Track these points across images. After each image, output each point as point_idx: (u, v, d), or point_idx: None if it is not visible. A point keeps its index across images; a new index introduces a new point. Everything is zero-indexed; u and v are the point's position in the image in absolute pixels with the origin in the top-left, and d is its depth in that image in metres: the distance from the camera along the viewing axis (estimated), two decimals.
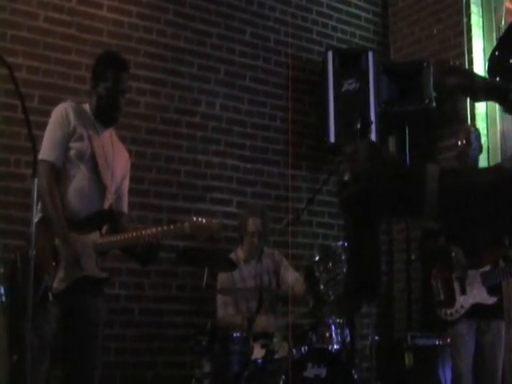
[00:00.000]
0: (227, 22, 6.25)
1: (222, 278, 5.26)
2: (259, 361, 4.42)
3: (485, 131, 6.23)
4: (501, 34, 2.69)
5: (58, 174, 3.77)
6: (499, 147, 6.27)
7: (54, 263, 3.60)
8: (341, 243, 4.54)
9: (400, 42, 7.26)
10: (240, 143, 6.17)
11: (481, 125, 6.22)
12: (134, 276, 5.35)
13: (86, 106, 3.99)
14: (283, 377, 4.25)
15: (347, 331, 4.62)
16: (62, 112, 3.85)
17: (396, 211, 1.26)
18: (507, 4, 6.49)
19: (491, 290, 4.93)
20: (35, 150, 3.25)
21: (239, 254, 5.39)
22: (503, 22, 6.40)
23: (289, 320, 4.72)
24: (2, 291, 3.51)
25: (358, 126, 1.36)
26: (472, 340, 5.01)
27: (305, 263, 5.43)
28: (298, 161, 6.45)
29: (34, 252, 3.16)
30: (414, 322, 6.27)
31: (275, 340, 4.50)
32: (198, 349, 4.50)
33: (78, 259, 3.65)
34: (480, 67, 6.26)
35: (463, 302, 4.97)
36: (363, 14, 7.25)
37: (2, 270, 3.65)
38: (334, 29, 7.01)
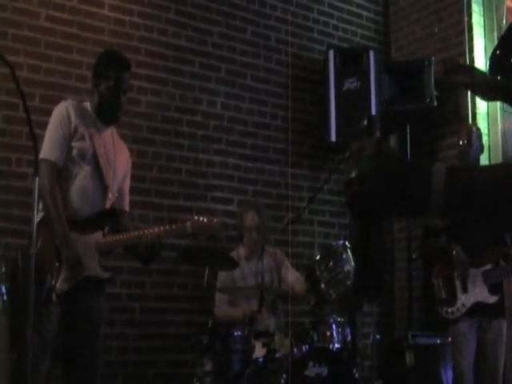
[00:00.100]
0: (228, 21, 6.25)
1: (222, 276, 5.27)
2: (260, 359, 4.42)
3: (486, 130, 6.23)
4: (502, 33, 2.69)
5: (60, 173, 3.76)
6: (500, 146, 6.27)
7: (57, 263, 3.60)
8: (341, 242, 4.55)
9: (401, 41, 7.26)
10: (241, 142, 6.17)
11: (482, 124, 6.22)
12: (135, 275, 5.35)
13: (87, 105, 3.98)
14: (284, 375, 4.25)
15: (348, 330, 4.62)
16: (62, 111, 3.84)
17: (402, 209, 1.26)
18: (508, 3, 6.49)
19: (492, 289, 4.94)
20: (36, 148, 3.25)
21: (240, 251, 5.41)
22: (504, 21, 6.40)
23: (289, 319, 4.73)
24: (4, 290, 3.51)
25: (365, 123, 1.35)
26: (473, 339, 5.01)
27: (306, 262, 5.44)
28: (299, 159, 6.46)
29: (37, 251, 3.16)
30: (415, 320, 6.27)
31: (276, 339, 4.50)
32: (199, 347, 4.50)
33: (79, 259, 3.64)
34: (481, 66, 6.25)
35: (464, 300, 4.97)
36: (364, 13, 7.25)
37: (3, 269, 3.65)
38: (336, 27, 7.01)
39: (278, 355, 4.45)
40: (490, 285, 4.94)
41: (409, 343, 5.47)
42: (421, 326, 6.13)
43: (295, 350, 4.41)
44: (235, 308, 5.22)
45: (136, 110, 5.57)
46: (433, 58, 6.37)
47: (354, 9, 7.17)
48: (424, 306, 6.35)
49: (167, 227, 3.82)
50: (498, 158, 6.19)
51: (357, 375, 4.47)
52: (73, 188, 3.77)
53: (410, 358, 5.44)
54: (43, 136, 3.82)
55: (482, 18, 6.51)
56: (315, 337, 4.52)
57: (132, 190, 4.23)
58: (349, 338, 4.60)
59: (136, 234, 3.74)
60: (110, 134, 4.01)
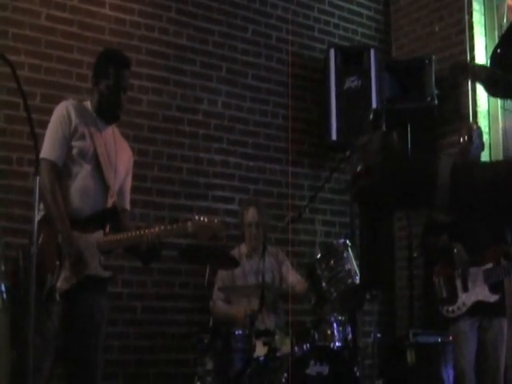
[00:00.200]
0: (229, 20, 6.25)
1: (222, 273, 5.26)
2: (261, 358, 4.42)
3: (487, 129, 6.23)
4: (503, 32, 2.70)
5: (59, 172, 3.76)
6: (501, 145, 6.27)
7: (57, 262, 3.60)
8: (342, 241, 4.55)
9: (402, 40, 7.26)
10: (242, 141, 6.17)
11: (483, 122, 6.22)
12: (136, 274, 5.35)
13: (88, 104, 3.98)
14: (285, 374, 4.25)
15: (349, 329, 4.62)
16: (63, 111, 3.84)
17: (408, 202, 1.26)
18: (509, 2, 6.48)
19: (493, 288, 4.94)
20: (37, 148, 3.25)
21: (242, 249, 5.43)
22: (505, 20, 6.40)
23: (290, 318, 4.73)
24: (3, 288, 3.51)
25: (371, 117, 1.35)
26: (474, 337, 5.02)
27: (306, 261, 5.45)
28: (299, 158, 6.46)
29: (37, 250, 3.17)
30: (415, 319, 6.27)
31: (277, 338, 4.50)
32: (200, 346, 4.50)
33: (81, 257, 3.65)
34: None
35: (465, 299, 4.98)
36: (365, 12, 7.25)
37: (3, 268, 3.65)
38: (336, 26, 7.00)
39: (278, 354, 4.45)
40: (490, 283, 4.94)
41: (410, 342, 5.47)
42: (422, 325, 6.13)
43: (296, 348, 4.42)
44: (233, 306, 5.22)
45: (137, 109, 5.58)
46: (433, 57, 6.37)
47: (355, 7, 7.17)
48: (425, 304, 6.36)
49: (168, 227, 3.82)
50: (499, 157, 6.19)
51: (358, 374, 4.47)
52: (74, 187, 3.77)
53: (410, 357, 5.44)
54: (44, 135, 3.82)
55: (483, 17, 6.50)
56: (316, 335, 4.52)
57: (133, 189, 4.23)
58: (350, 336, 4.61)
59: (137, 233, 3.74)
60: (111, 133, 4.01)
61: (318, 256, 4.44)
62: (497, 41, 5.63)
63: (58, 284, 3.57)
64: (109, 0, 5.61)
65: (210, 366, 4.43)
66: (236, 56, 6.25)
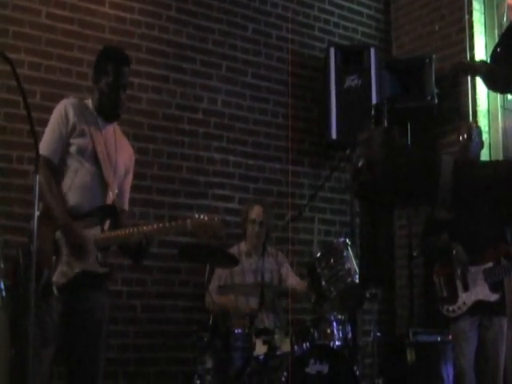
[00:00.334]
0: (229, 19, 6.25)
1: (219, 271, 5.24)
2: (261, 357, 4.42)
3: (486, 128, 6.23)
4: (503, 31, 2.70)
5: (55, 169, 3.76)
6: (501, 144, 6.27)
7: (54, 257, 3.60)
8: (342, 239, 4.55)
9: (402, 39, 7.26)
10: (242, 139, 6.17)
11: (483, 121, 6.23)
12: (136, 272, 5.35)
13: (89, 102, 3.98)
14: (285, 373, 4.26)
15: (349, 327, 4.63)
16: (61, 110, 3.85)
17: (409, 199, 1.26)
18: (509, 1, 6.48)
19: (493, 287, 4.94)
20: (37, 146, 3.25)
21: (241, 247, 5.42)
22: (505, 19, 6.40)
23: (289, 317, 4.73)
24: (3, 286, 3.51)
25: (372, 112, 1.35)
26: (474, 336, 5.02)
27: (306, 260, 5.44)
28: (299, 157, 6.46)
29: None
30: (415, 318, 6.28)
31: (277, 336, 4.50)
32: (200, 345, 4.50)
33: (82, 244, 3.65)
34: None
35: (465, 298, 4.98)
36: (365, 11, 7.24)
37: (2, 266, 3.65)
38: (336, 25, 7.00)
39: (278, 353, 4.46)
40: (490, 283, 4.94)
41: (410, 341, 5.48)
42: (421, 324, 6.14)
43: (296, 347, 4.42)
44: (227, 297, 5.20)
45: (137, 108, 5.58)
46: (434, 56, 6.38)
47: (355, 6, 7.16)
48: (425, 303, 6.36)
49: (166, 224, 3.82)
50: (499, 156, 6.19)
51: (358, 373, 4.48)
52: (73, 184, 3.77)
53: (410, 356, 5.45)
54: (43, 133, 3.83)
55: (483, 16, 6.51)
56: (316, 334, 4.52)
57: (133, 188, 4.23)
58: (349, 335, 4.61)
59: (135, 230, 3.73)
60: (112, 131, 4.01)
61: (318, 255, 4.44)
62: (497, 40, 5.62)
63: (55, 278, 3.57)
64: None
65: (209, 364, 4.43)
66: (236, 54, 6.25)
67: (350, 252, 4.35)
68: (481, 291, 4.94)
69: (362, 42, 7.07)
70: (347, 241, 4.46)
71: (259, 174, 6.22)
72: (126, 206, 4.11)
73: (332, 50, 6.45)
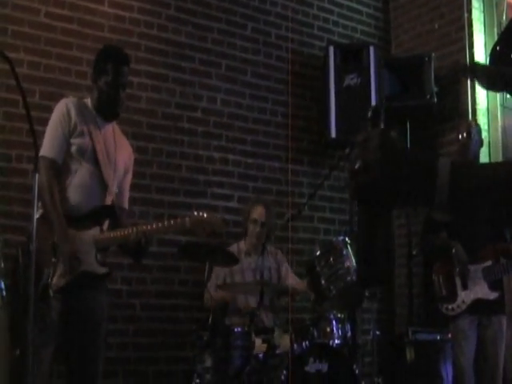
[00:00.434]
0: (228, 17, 6.25)
1: (218, 269, 5.23)
2: (261, 356, 4.42)
3: (486, 126, 6.23)
4: (502, 29, 2.70)
5: (58, 170, 3.76)
6: (500, 142, 6.27)
7: (53, 259, 3.60)
8: (342, 238, 4.55)
9: (401, 37, 7.26)
10: (241, 138, 6.17)
11: (482, 120, 6.22)
12: (135, 271, 5.35)
13: (88, 101, 3.98)
14: (284, 372, 4.26)
15: (348, 326, 4.63)
16: (62, 108, 3.85)
17: (407, 201, 1.26)
18: None
19: (493, 286, 4.94)
20: (36, 145, 3.24)
21: (241, 246, 5.41)
22: (504, 17, 6.40)
23: (289, 315, 4.73)
24: (2, 286, 3.51)
25: (369, 114, 1.35)
26: (474, 335, 5.02)
27: (306, 258, 5.44)
28: (299, 156, 6.46)
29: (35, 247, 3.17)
30: (415, 316, 6.28)
31: (276, 335, 4.50)
32: (199, 344, 4.50)
33: (75, 257, 3.65)
34: (481, 62, 6.25)
35: (464, 297, 4.98)
36: (364, 9, 7.24)
37: (2, 265, 3.65)
38: (336, 24, 7.00)
39: (278, 351, 4.46)
40: (490, 281, 4.93)
41: (409, 339, 5.48)
42: (421, 322, 6.14)
43: (295, 346, 4.42)
44: (224, 292, 5.19)
45: (136, 107, 5.57)
46: (433, 54, 6.37)
47: (354, 5, 7.16)
48: (424, 302, 6.36)
49: (166, 223, 3.82)
50: (498, 154, 6.19)
51: (357, 371, 4.48)
52: (72, 184, 3.77)
53: (410, 354, 5.45)
54: (43, 132, 3.83)
55: (482, 14, 6.50)
56: (315, 333, 4.53)
57: (132, 187, 4.23)
58: (349, 334, 4.61)
59: (134, 230, 3.73)
60: (111, 131, 4.01)
61: (318, 253, 4.44)
62: (496, 38, 5.62)
63: (54, 280, 3.57)
64: None
65: (209, 363, 4.43)
66: (235, 53, 6.25)
67: (350, 250, 4.35)
68: (480, 290, 4.95)
69: (361, 41, 7.07)
70: (347, 239, 4.46)
71: (258, 173, 6.22)
72: (126, 205, 4.11)
73: (331, 49, 6.45)
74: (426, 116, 6.53)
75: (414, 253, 6.19)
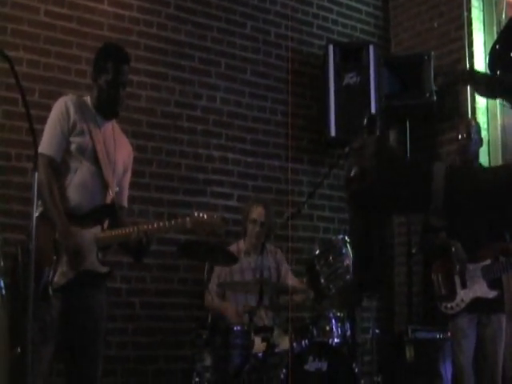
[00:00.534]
0: (228, 16, 6.25)
1: (218, 269, 5.24)
2: (260, 354, 4.42)
3: (485, 125, 6.23)
4: (501, 28, 2.69)
5: (57, 168, 3.76)
6: (500, 141, 6.26)
7: (54, 257, 3.60)
8: (341, 237, 4.55)
9: (401, 36, 7.26)
10: (241, 137, 6.17)
11: (481, 119, 6.22)
12: (135, 270, 5.36)
13: (88, 99, 3.97)
14: (284, 370, 4.26)
15: (348, 325, 4.63)
16: (61, 106, 3.84)
17: (402, 207, 1.27)
18: None
19: (492, 284, 4.93)
20: (36, 144, 3.24)
21: (240, 245, 5.41)
22: (504, 16, 6.40)
23: (289, 314, 4.73)
24: (2, 284, 3.51)
25: (365, 122, 1.36)
26: (473, 334, 5.01)
27: (305, 257, 5.45)
28: (298, 154, 6.46)
29: (35, 246, 3.16)
30: (414, 315, 6.28)
31: (275, 334, 4.50)
32: (199, 342, 4.50)
33: (79, 251, 3.65)
34: (480, 61, 6.26)
35: (464, 295, 4.98)
36: (364, 8, 7.24)
37: (1, 264, 3.65)
38: (335, 22, 7.00)
39: (277, 350, 4.46)
40: (489, 280, 4.93)
41: (408, 338, 5.48)
42: (420, 321, 6.14)
43: (295, 344, 4.42)
44: (226, 302, 5.20)
45: (135, 105, 5.57)
46: (432, 53, 6.37)
47: (354, 3, 7.16)
48: (424, 300, 6.36)
49: (166, 223, 3.82)
50: (498, 153, 6.19)
51: (356, 370, 4.48)
52: (72, 183, 3.77)
53: (409, 353, 5.45)
54: (43, 131, 3.82)
55: (482, 13, 6.50)
56: (315, 331, 4.53)
57: (132, 185, 4.23)
58: (348, 332, 4.61)
59: (135, 229, 3.73)
60: (110, 129, 4.00)
61: (317, 252, 4.44)
62: (495, 37, 5.62)
63: (55, 279, 3.57)
64: None
65: (208, 361, 4.43)
66: (235, 52, 6.25)
67: (349, 249, 4.35)
68: (479, 288, 4.94)
69: (360, 40, 7.07)
70: (346, 238, 4.46)
71: (258, 172, 6.22)
72: (125, 204, 4.11)
73: (331, 48, 6.44)
74: (426, 115, 6.53)
75: (414, 251, 6.20)
